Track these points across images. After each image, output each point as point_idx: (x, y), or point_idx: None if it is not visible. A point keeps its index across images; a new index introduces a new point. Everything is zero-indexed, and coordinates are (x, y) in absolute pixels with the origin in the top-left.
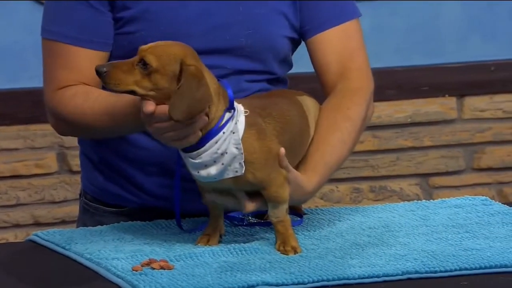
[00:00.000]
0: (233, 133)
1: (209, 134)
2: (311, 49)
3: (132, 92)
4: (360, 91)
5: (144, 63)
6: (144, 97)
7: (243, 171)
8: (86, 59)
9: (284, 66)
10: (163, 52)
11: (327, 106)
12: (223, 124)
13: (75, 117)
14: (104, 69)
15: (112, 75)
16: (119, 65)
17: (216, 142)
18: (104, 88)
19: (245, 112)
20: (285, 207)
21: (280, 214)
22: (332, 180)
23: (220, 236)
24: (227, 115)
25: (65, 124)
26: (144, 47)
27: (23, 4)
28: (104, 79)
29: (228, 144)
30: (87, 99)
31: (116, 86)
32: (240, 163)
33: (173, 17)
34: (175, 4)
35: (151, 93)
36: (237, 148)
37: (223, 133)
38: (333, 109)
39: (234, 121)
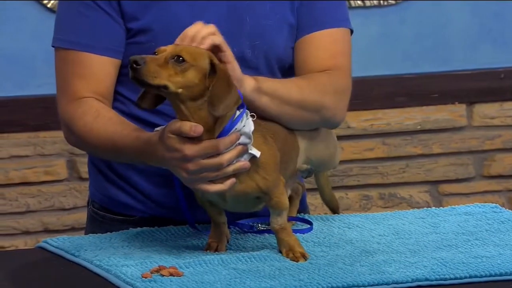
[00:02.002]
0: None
1: (224, 131)
2: (296, 48)
3: (163, 87)
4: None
5: (178, 58)
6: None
7: (258, 154)
8: (100, 67)
9: (288, 75)
10: (193, 50)
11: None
12: (235, 121)
13: (82, 135)
14: (143, 60)
15: (151, 67)
16: (153, 59)
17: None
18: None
19: (252, 115)
20: (286, 213)
21: (282, 221)
22: (342, 187)
23: (227, 242)
24: (237, 113)
25: (75, 138)
26: (165, 47)
27: (32, 12)
28: (141, 70)
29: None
30: (97, 120)
31: (152, 79)
32: (249, 152)
33: (182, 28)
34: (184, 15)
35: (180, 90)
36: (249, 138)
37: (235, 129)
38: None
39: (244, 120)
